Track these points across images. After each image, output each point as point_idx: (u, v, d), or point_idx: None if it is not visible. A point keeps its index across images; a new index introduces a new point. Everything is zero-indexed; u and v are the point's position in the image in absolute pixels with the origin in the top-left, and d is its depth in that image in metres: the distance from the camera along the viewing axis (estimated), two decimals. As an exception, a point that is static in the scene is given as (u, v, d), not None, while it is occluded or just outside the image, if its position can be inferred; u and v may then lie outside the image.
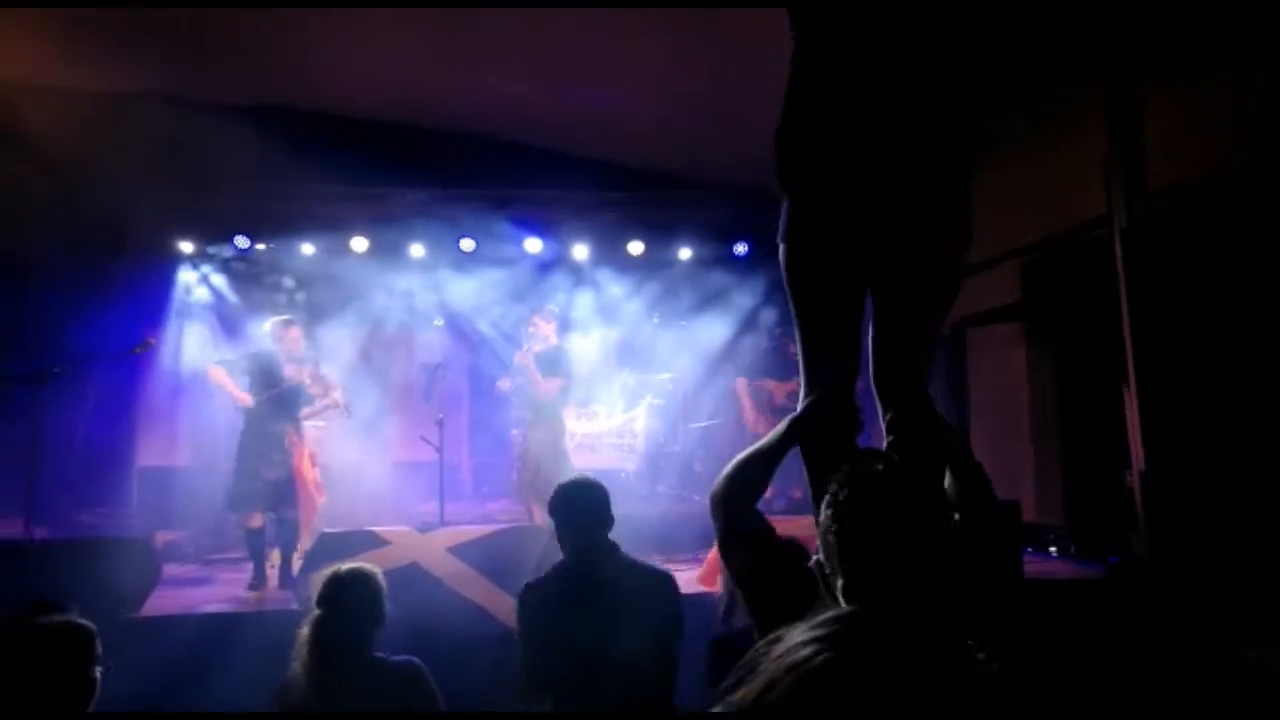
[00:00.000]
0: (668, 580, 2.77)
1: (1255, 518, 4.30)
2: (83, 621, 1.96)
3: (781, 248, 1.92)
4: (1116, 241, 3.15)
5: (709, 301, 8.24)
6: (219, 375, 5.28)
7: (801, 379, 1.95)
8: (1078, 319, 5.69)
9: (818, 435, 1.86)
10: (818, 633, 0.68)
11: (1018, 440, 6.29)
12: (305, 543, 4.99)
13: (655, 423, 7.03)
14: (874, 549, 1.34)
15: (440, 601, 3.94)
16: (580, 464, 6.31)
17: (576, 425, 6.64)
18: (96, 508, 6.60)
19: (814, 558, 1.49)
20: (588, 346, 7.48)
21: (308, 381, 5.46)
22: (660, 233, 8.24)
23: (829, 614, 0.71)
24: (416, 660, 2.59)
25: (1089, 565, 5.21)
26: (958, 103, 1.88)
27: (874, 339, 1.95)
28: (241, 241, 7.84)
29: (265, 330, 5.61)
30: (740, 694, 0.68)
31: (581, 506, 2.71)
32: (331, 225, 7.93)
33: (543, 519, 5.68)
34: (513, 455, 6.18)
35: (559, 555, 2.73)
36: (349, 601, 2.52)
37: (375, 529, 4.23)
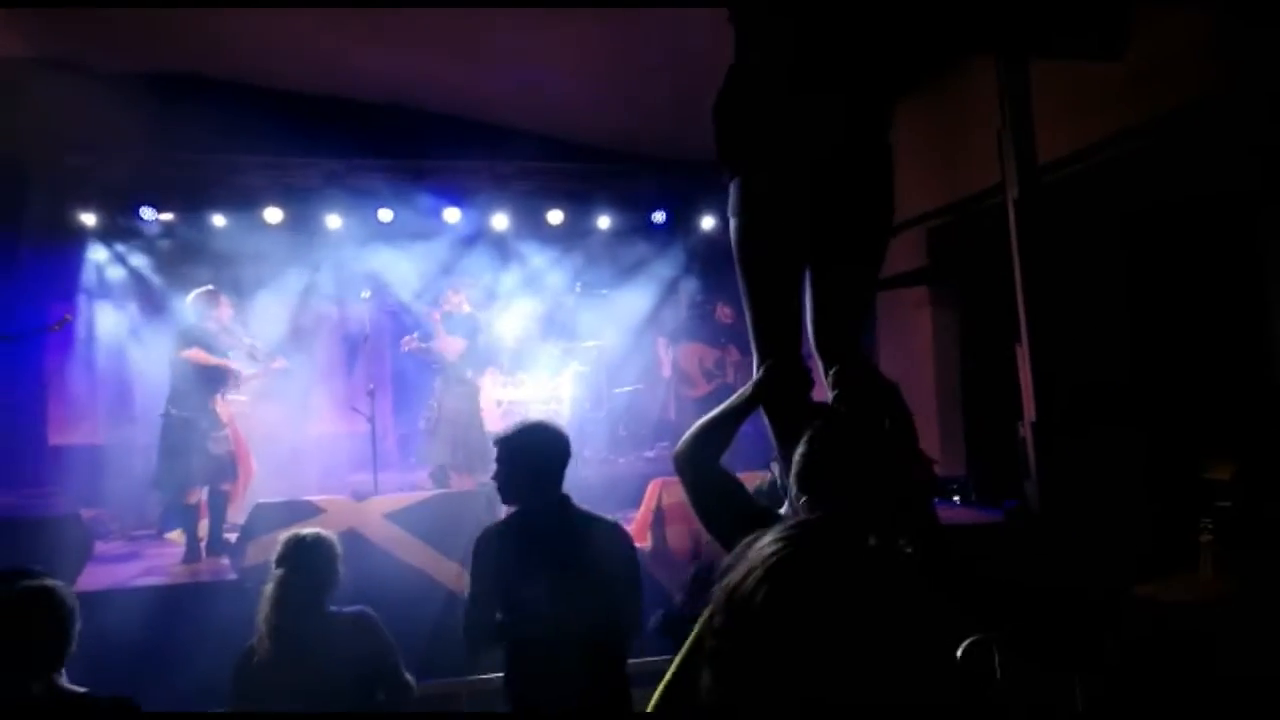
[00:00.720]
0: (621, 532, 2.79)
1: (1135, 464, 4.72)
2: (59, 584, 2.05)
3: (732, 223, 2.13)
4: (1010, 210, 3.41)
5: (629, 270, 8.38)
6: (199, 355, 5.17)
7: (754, 346, 2.16)
8: (979, 282, 6.05)
9: (777, 395, 2.08)
10: (787, 534, 0.86)
11: (923, 397, 6.65)
12: (232, 514, 4.99)
13: (580, 390, 7.18)
14: (838, 474, 1.64)
15: (381, 567, 4.02)
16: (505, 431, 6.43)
17: (504, 393, 6.75)
18: (12, 489, 6.42)
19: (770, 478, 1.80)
20: (512, 317, 7.56)
21: (248, 349, 5.43)
22: (579, 203, 8.33)
23: (796, 519, 0.90)
24: (369, 609, 2.72)
25: (989, 511, 5.59)
26: (883, 90, 2.11)
27: (814, 306, 2.18)
28: (147, 213, 7.63)
29: (188, 303, 5.50)
30: (725, 582, 0.86)
31: (542, 453, 2.66)
32: (244, 196, 7.78)
33: (459, 485, 5.82)
34: (429, 423, 6.25)
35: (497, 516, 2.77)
36: (309, 561, 2.64)
37: (310, 498, 4.29)
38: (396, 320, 7.85)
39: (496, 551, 2.64)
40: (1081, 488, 3.97)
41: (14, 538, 3.89)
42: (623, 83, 7.39)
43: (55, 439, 7.05)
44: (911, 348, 6.90)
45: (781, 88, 2.09)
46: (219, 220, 7.65)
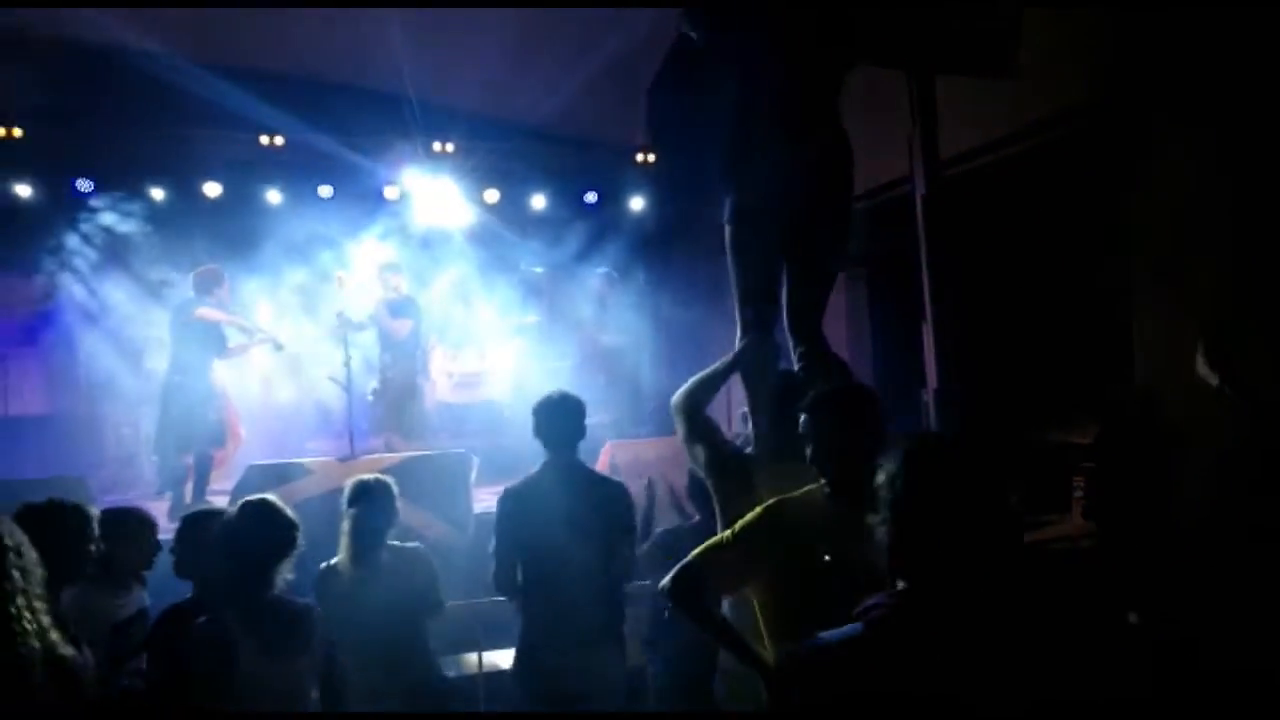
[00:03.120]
0: (623, 492, 3.30)
1: (1024, 423, 5.37)
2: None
3: (727, 230, 2.87)
4: (918, 205, 3.91)
5: (563, 248, 8.68)
6: (212, 313, 5.45)
7: (738, 323, 2.88)
8: (890, 263, 6.64)
9: (754, 364, 2.82)
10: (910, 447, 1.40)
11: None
12: (221, 479, 5.25)
13: (524, 362, 7.55)
14: (838, 430, 2.11)
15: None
16: (457, 400, 6.79)
17: (453, 365, 7.09)
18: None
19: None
20: (455, 294, 7.84)
21: (243, 325, 5.73)
22: (516, 182, 8.60)
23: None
24: (422, 545, 3.28)
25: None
26: (839, 129, 2.79)
27: (788, 296, 2.86)
28: (84, 184, 7.63)
29: (191, 280, 5.73)
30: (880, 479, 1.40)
31: (562, 420, 3.16)
32: (181, 169, 7.80)
33: (403, 448, 6.16)
34: (376, 395, 6.59)
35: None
36: (374, 501, 3.08)
37: (299, 460, 4.56)
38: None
39: (515, 511, 3.15)
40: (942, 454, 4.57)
41: (18, 499, 4.02)
42: (559, 64, 7.70)
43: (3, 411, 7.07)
44: (827, 321, 7.47)
45: (761, 123, 2.79)
46: (157, 194, 7.68)
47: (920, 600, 1.37)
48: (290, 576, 2.49)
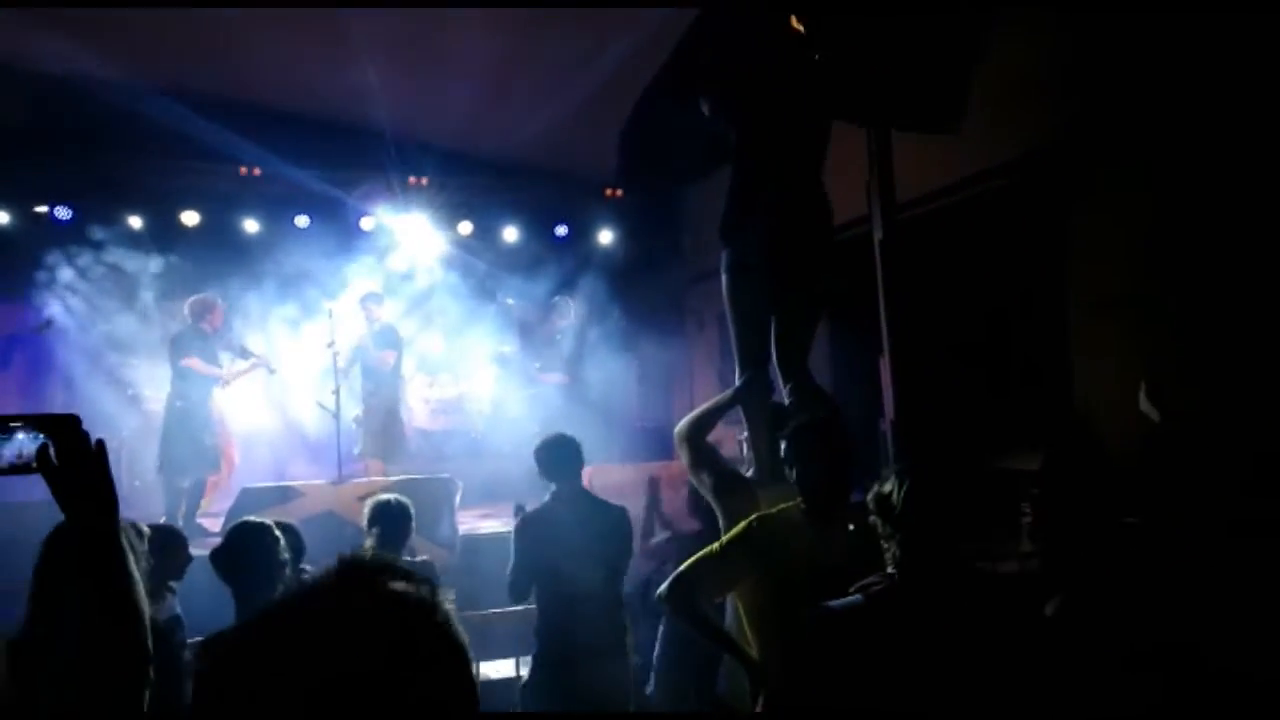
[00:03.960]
0: (625, 517, 3.63)
1: (969, 456, 5.70)
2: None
3: (724, 279, 3.35)
4: (876, 249, 4.23)
5: (534, 279, 8.92)
6: (196, 364, 5.61)
7: (736, 362, 3.35)
8: (850, 299, 7.00)
9: (751, 397, 3.30)
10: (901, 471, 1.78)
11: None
12: (215, 501, 5.39)
13: (498, 389, 7.77)
14: (812, 456, 2.44)
15: (355, 540, 4.44)
16: (435, 426, 6.99)
17: (430, 392, 7.29)
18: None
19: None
20: (434, 324, 8.05)
21: (239, 350, 5.91)
22: (488, 215, 8.86)
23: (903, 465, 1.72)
24: (431, 561, 3.59)
25: (857, 494, 6.50)
26: (822, 193, 3.29)
27: (777, 340, 3.31)
28: (62, 212, 7.74)
29: (185, 309, 5.89)
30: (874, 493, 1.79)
31: (565, 457, 3.52)
32: (160, 198, 7.94)
33: (385, 473, 6.35)
34: (359, 421, 6.76)
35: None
36: (397, 518, 3.36)
37: (291, 483, 4.73)
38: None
39: (534, 534, 3.45)
40: (933, 472, 4.89)
41: (30, 516, 4.13)
42: (529, 100, 7.97)
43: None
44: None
45: (758, 190, 3.29)
46: (135, 221, 7.81)
47: (906, 580, 1.85)
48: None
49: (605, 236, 9.17)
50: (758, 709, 2.22)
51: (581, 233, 9.19)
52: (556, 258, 8.95)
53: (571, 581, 3.32)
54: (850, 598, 1.84)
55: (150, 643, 1.47)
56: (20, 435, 1.29)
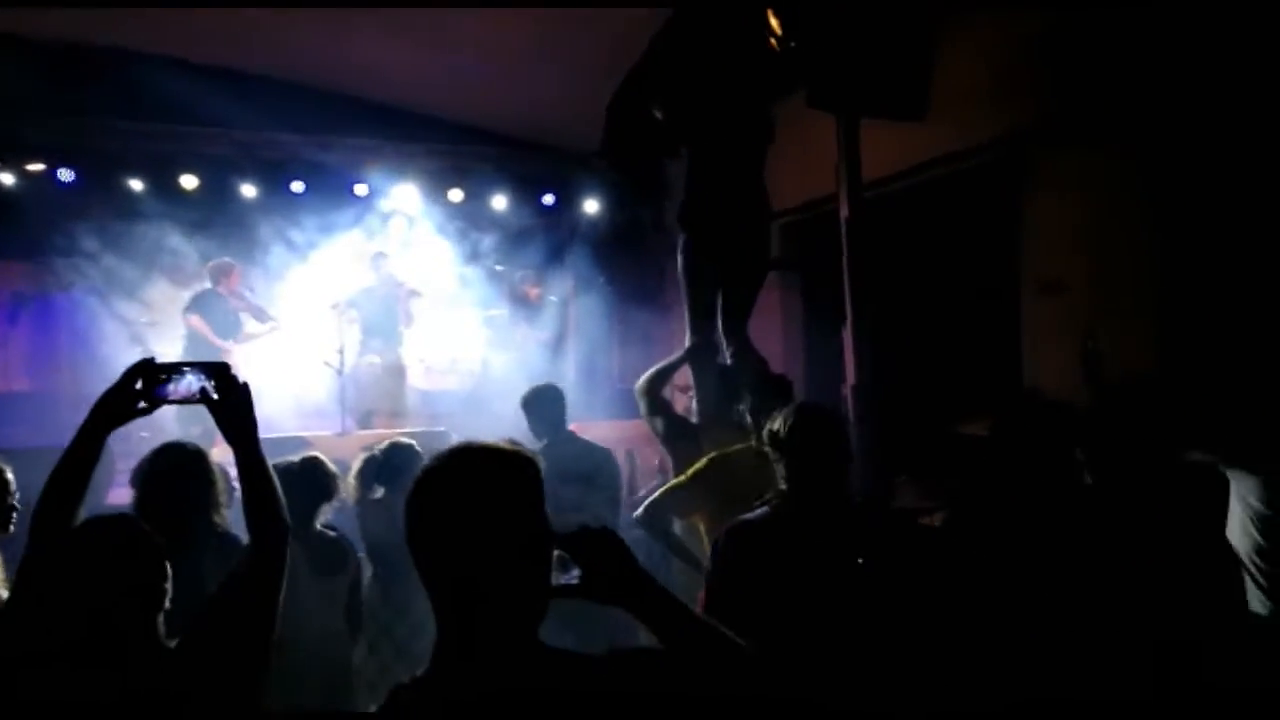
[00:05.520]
0: (611, 457, 3.99)
1: (930, 416, 6.15)
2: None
3: (679, 258, 3.94)
4: (843, 226, 4.61)
5: (521, 246, 9.29)
6: (195, 322, 5.92)
7: (687, 328, 3.89)
8: (820, 272, 7.42)
9: (699, 357, 3.87)
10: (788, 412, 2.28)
11: (772, 364, 8.01)
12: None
13: (490, 351, 8.19)
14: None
15: None
16: (427, 386, 7.39)
17: (425, 354, 7.70)
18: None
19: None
20: (427, 287, 8.41)
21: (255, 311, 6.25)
22: (478, 182, 9.17)
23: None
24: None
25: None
26: (762, 187, 3.81)
27: (722, 310, 3.88)
28: (65, 174, 7.97)
29: (206, 271, 6.21)
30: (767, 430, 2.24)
31: (552, 404, 3.88)
32: (159, 163, 8.18)
33: (385, 425, 6.74)
34: (365, 378, 7.16)
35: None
36: (409, 451, 3.69)
37: (299, 434, 5.10)
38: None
39: None
40: (889, 439, 5.33)
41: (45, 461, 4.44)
42: (523, 72, 8.22)
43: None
44: (763, 324, 8.23)
45: (708, 187, 3.92)
46: (137, 184, 8.07)
47: (798, 495, 2.34)
48: (329, 516, 3.16)
49: (591, 205, 9.50)
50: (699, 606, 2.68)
51: (568, 201, 9.52)
52: (544, 225, 9.31)
53: (566, 520, 3.73)
54: (758, 511, 2.35)
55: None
56: (189, 376, 1.69)
